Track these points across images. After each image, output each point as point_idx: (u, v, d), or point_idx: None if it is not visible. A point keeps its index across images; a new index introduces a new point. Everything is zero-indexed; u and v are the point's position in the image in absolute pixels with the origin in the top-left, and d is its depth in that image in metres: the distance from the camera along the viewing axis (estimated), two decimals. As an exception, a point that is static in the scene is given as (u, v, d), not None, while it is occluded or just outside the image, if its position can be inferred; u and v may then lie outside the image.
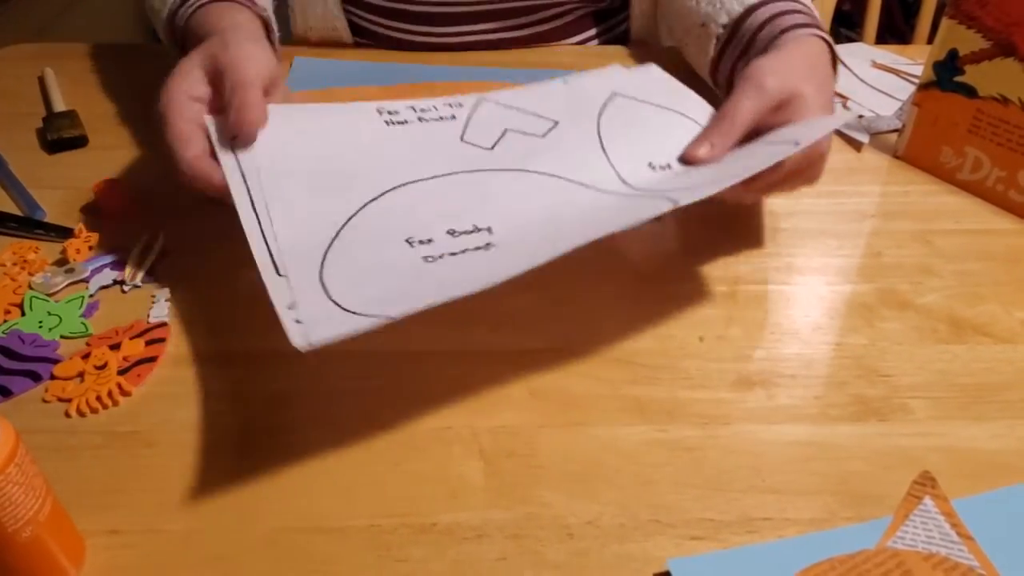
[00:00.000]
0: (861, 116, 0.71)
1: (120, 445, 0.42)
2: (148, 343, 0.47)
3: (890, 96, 0.74)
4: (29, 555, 0.33)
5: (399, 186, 0.48)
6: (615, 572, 0.36)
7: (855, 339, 0.49)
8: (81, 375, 0.45)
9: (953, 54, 0.60)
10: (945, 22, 0.60)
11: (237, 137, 0.49)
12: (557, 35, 0.82)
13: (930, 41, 0.64)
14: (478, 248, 0.44)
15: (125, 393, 0.44)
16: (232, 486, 0.40)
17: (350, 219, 0.46)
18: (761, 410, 0.44)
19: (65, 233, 0.56)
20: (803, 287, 0.53)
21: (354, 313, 0.39)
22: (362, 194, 0.48)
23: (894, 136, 0.67)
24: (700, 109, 0.54)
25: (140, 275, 0.52)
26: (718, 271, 0.54)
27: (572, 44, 0.82)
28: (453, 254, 0.44)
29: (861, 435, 0.43)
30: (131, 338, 0.47)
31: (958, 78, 0.60)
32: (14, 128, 0.68)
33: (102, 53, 0.81)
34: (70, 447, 0.42)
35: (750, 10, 0.60)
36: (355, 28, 0.80)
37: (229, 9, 0.60)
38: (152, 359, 0.46)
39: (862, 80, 0.77)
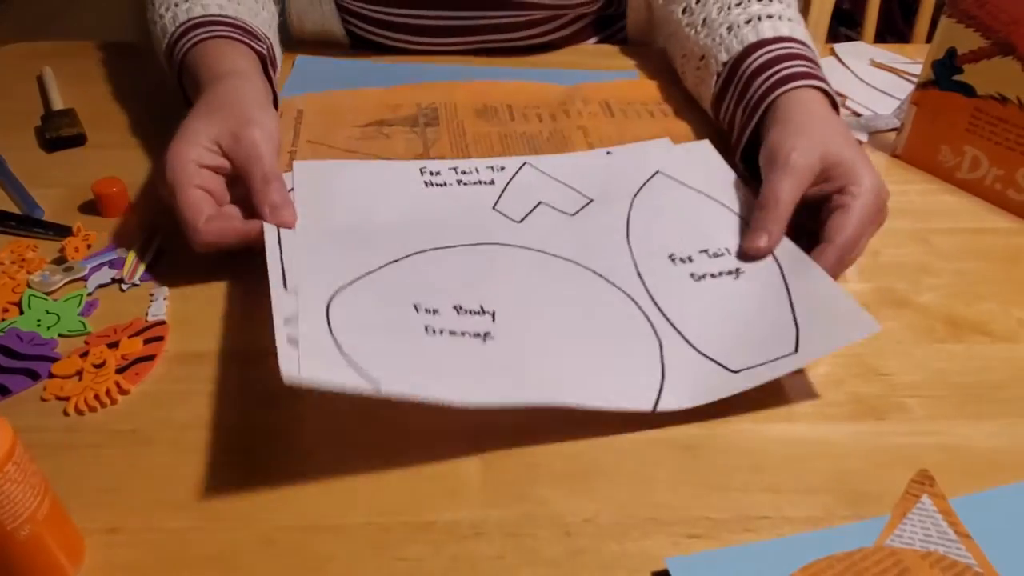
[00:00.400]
0: (859, 115, 0.71)
1: (119, 444, 0.42)
2: (146, 341, 0.47)
3: (889, 95, 0.74)
4: (28, 553, 0.33)
5: (421, 251, 0.49)
6: (612, 570, 0.37)
7: (853, 338, 0.49)
8: (79, 373, 0.45)
9: (952, 53, 0.60)
10: (944, 21, 0.60)
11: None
12: (558, 46, 0.81)
13: (929, 40, 0.64)
14: (476, 335, 0.43)
15: (124, 391, 0.44)
16: (231, 484, 0.40)
17: (368, 274, 0.47)
18: (759, 409, 0.44)
19: (63, 231, 0.56)
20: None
21: (347, 359, 0.40)
22: (385, 255, 0.48)
23: (892, 135, 0.67)
24: (735, 194, 0.54)
25: (138, 273, 0.52)
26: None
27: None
28: (452, 333, 0.43)
29: (859, 434, 0.43)
30: (129, 336, 0.47)
31: (957, 77, 0.60)
32: (12, 127, 0.68)
33: (101, 51, 0.81)
34: (69, 445, 0.42)
35: (749, 50, 0.60)
36: (352, 36, 0.80)
37: (229, 50, 0.60)
38: (151, 357, 0.46)
39: (861, 79, 0.77)
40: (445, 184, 0.54)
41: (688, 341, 0.45)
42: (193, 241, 0.50)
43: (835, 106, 0.57)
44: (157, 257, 0.54)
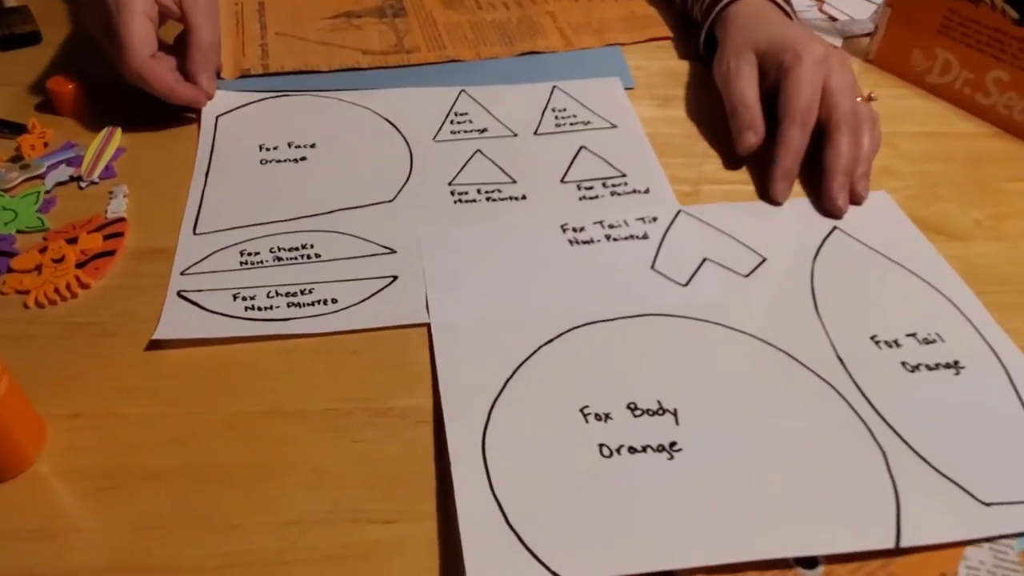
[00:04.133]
0: (835, 20, 0.70)
1: (80, 335, 0.42)
2: (106, 237, 0.47)
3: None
4: (-13, 434, 0.34)
5: (576, 327, 0.42)
6: (565, 452, 0.38)
7: (812, 237, 0.49)
8: (39, 268, 0.45)
9: (927, -49, 0.58)
10: (921, -83, 0.58)
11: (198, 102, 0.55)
12: None
13: (907, -61, 0.62)
14: (660, 448, 0.36)
15: (84, 286, 0.44)
16: (191, 373, 0.40)
17: (524, 362, 0.40)
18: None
19: (18, 129, 0.54)
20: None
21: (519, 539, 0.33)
22: (536, 332, 0.42)
23: (867, 40, 0.66)
24: (931, 262, 0.47)
25: (97, 171, 0.51)
26: (682, 173, 0.54)
27: None
28: (632, 450, 0.36)
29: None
30: (89, 232, 0.47)
31: (932, -23, 0.59)
32: (-37, 24, 0.66)
33: (54, -53, 0.77)
34: (30, 336, 0.42)
35: None
36: None
37: None
38: (111, 253, 0.46)
39: (839, -17, 0.75)
40: (592, 241, 0.47)
41: (919, 454, 0.37)
42: (125, 67, 0.51)
43: (788, 14, 0.59)
44: (116, 154, 0.53)
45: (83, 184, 0.51)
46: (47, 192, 0.50)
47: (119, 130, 0.54)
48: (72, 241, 0.47)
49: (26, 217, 0.48)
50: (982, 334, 0.42)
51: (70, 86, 0.56)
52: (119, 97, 0.57)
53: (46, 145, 0.53)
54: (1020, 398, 0.39)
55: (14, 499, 0.35)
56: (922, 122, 0.59)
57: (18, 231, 0.48)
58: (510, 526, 0.33)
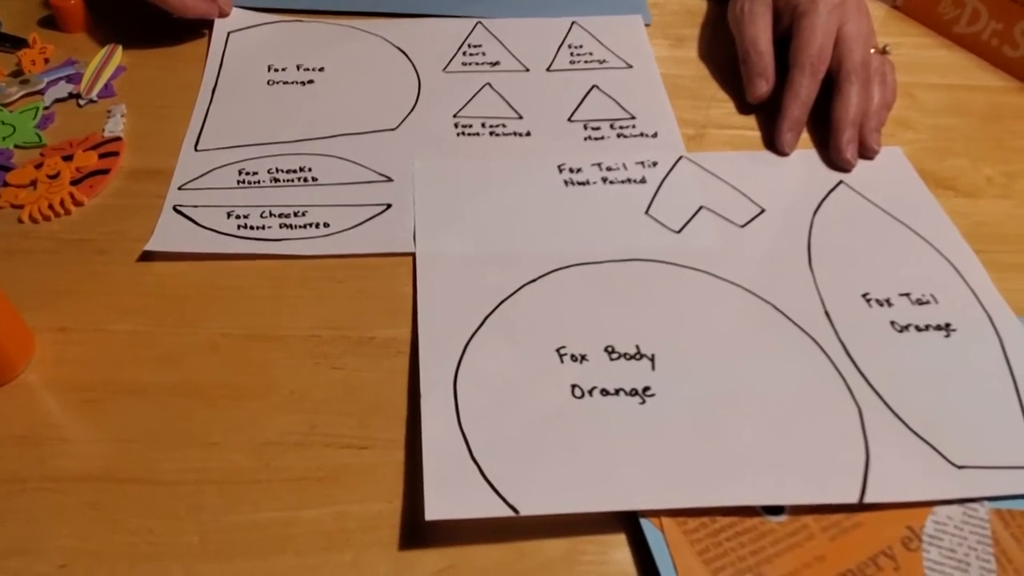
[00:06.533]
0: (864, -38, 0.67)
1: (71, 252, 0.43)
2: (102, 156, 0.47)
3: (899, -58, 0.69)
4: (-26, 341, 0.35)
5: (562, 268, 0.42)
6: (543, 389, 0.38)
7: (815, 187, 0.48)
8: (34, 183, 0.45)
9: None
10: None
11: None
12: None
13: None
14: (633, 392, 0.36)
15: (78, 203, 0.45)
16: (179, 293, 0.41)
17: (506, 300, 0.40)
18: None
19: (19, 43, 0.54)
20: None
21: (480, 470, 0.33)
22: (521, 270, 0.41)
23: (896, -15, 0.64)
24: (936, 222, 0.45)
25: (96, 89, 0.51)
26: (688, 115, 0.52)
27: None
28: (605, 393, 0.36)
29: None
30: (85, 150, 0.47)
31: (967, -82, 0.56)
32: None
33: None
34: (22, 251, 0.42)
35: None
36: None
37: None
38: (105, 171, 0.46)
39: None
40: (588, 183, 0.47)
41: (895, 413, 0.36)
42: None
43: None
44: (116, 74, 0.53)
45: (82, 102, 0.51)
46: (46, 108, 0.50)
47: (120, 48, 0.54)
48: (68, 158, 0.47)
49: (24, 132, 0.48)
50: (979, 298, 0.41)
51: (72, 1, 0.55)
52: (123, 15, 0.56)
53: (47, 61, 0.53)
54: (1009, 364, 0.38)
55: (0, 406, 0.36)
56: (942, 73, 0.57)
57: (15, 146, 0.48)
58: (473, 459, 0.33)
